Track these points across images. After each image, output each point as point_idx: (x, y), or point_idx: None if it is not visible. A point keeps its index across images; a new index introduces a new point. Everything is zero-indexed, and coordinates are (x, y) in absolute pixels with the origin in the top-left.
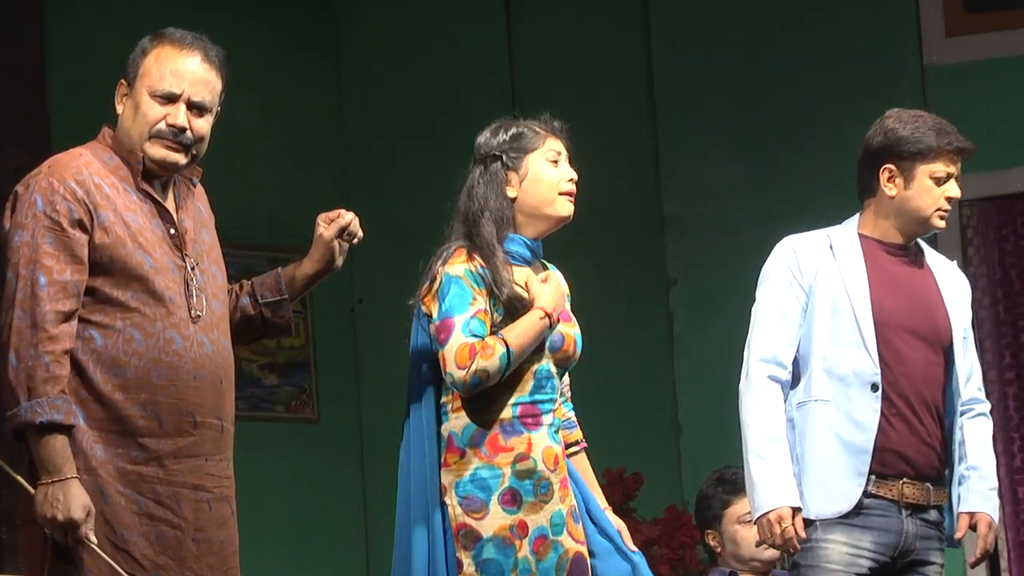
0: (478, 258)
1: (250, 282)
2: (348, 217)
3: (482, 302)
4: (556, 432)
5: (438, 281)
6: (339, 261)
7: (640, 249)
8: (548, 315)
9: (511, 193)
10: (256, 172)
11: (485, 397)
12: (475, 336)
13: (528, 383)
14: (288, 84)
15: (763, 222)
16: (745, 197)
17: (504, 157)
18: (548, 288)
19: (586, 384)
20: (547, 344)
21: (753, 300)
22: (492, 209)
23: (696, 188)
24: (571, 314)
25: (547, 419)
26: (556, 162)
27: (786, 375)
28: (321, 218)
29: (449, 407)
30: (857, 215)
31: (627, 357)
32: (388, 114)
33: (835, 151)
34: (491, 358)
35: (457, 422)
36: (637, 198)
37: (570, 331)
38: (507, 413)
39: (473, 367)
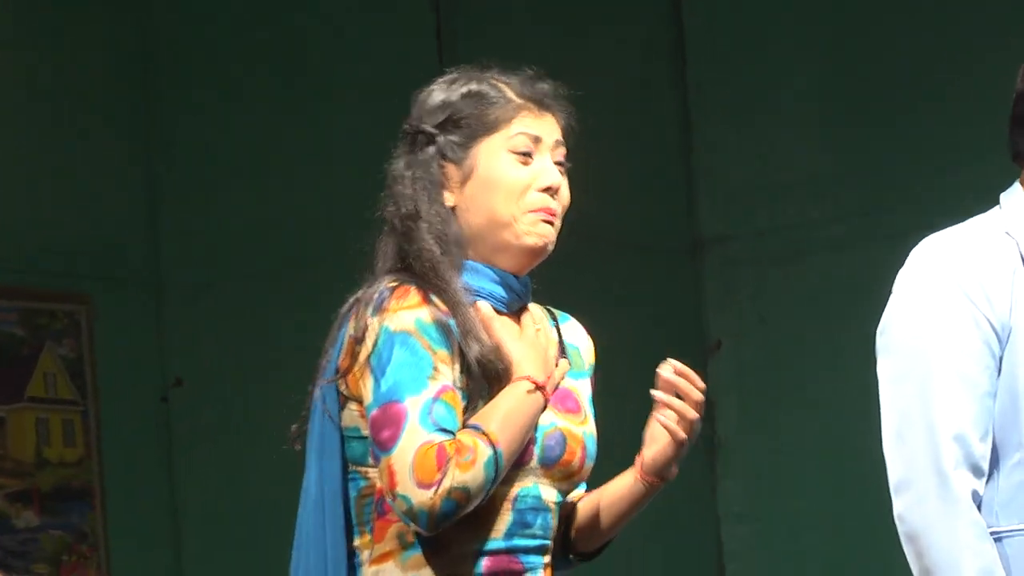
0: (437, 300)
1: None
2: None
3: (447, 374)
4: None
5: (370, 340)
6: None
7: (671, 289)
8: (539, 386)
9: (448, 200)
10: (3, 178)
11: (431, 541)
12: (444, 432)
13: (503, 517)
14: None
15: (848, 240)
16: (819, 202)
17: (440, 138)
18: (524, 344)
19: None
20: (536, 453)
21: (865, 359)
22: (428, 217)
23: (743, 193)
24: (582, 400)
25: None
26: (528, 154)
27: (983, 483)
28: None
29: (364, 556)
30: (1011, 195)
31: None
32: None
33: (943, 124)
34: (474, 467)
35: None
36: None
37: (576, 430)
38: (466, 570)
39: (446, 484)
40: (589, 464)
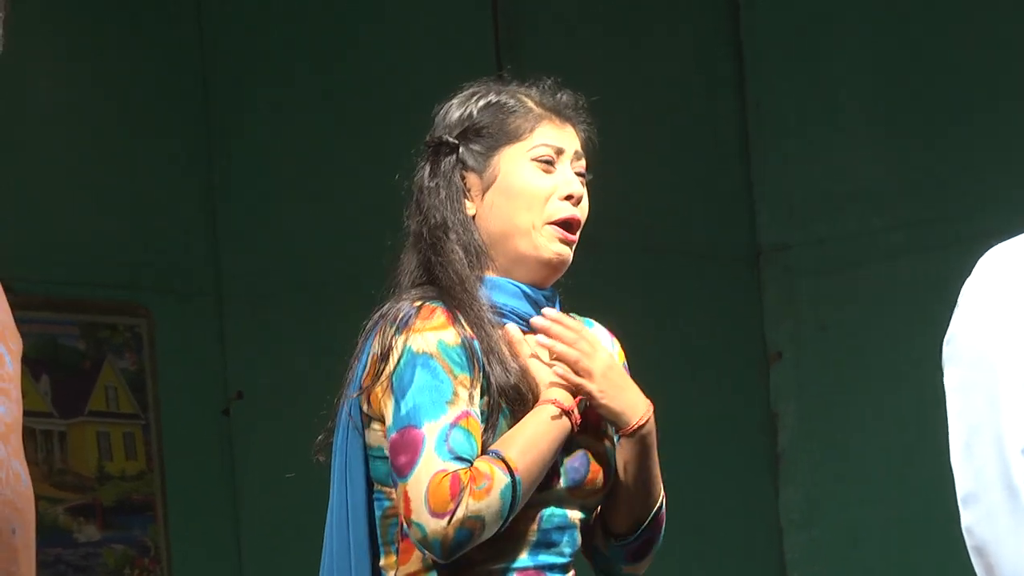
0: (463, 320)
1: None
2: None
3: (467, 398)
4: None
5: (392, 360)
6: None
7: (731, 298)
8: (566, 411)
9: (469, 208)
10: (65, 191)
11: (457, 561)
12: (459, 460)
13: (529, 536)
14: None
15: (907, 249)
16: (879, 211)
17: (461, 147)
18: (545, 365)
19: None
20: (560, 474)
21: (924, 374)
22: (454, 227)
23: (802, 202)
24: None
25: None
26: (551, 163)
27: None
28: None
29: (389, 574)
30: None
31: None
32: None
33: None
34: (488, 495)
35: None
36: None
37: (598, 446)
38: None
39: (460, 513)
40: (612, 478)
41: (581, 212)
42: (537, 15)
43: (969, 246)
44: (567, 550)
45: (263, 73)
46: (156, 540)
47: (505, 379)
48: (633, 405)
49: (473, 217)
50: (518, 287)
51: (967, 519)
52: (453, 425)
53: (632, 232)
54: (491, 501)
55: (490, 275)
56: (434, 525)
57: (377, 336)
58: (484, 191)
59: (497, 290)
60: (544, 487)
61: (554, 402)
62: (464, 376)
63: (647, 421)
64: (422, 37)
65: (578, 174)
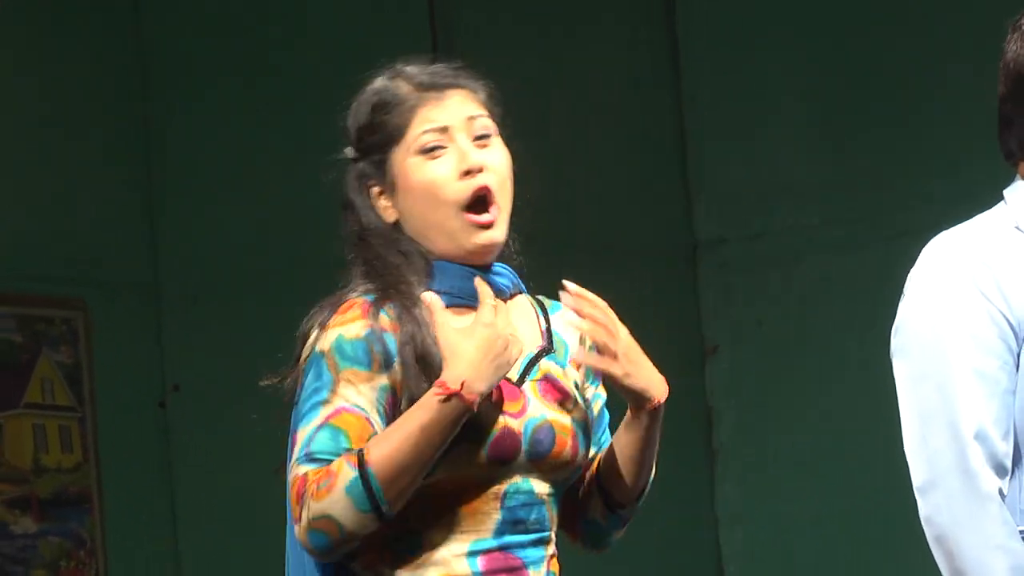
0: (391, 309)
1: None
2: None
3: (346, 395)
4: None
5: (303, 354)
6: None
7: (668, 293)
8: (453, 393)
9: (390, 216)
10: (1, 182)
11: (415, 542)
12: (315, 461)
13: (491, 516)
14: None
15: (844, 243)
16: (815, 206)
17: (360, 162)
18: (461, 334)
19: None
20: (523, 447)
21: (877, 360)
22: (374, 238)
23: (738, 197)
24: (570, 388)
25: (535, 574)
26: (439, 146)
27: (1007, 482)
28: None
29: (358, 565)
30: (1014, 190)
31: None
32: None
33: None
34: (331, 493)
35: None
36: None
37: (564, 420)
38: (462, 569)
39: (306, 516)
40: (583, 452)
41: (491, 178)
42: (473, 14)
43: (904, 240)
44: (537, 526)
45: (200, 64)
46: (92, 532)
47: (414, 368)
48: (654, 381)
49: (396, 222)
50: (462, 268)
51: (925, 509)
52: (320, 426)
53: (567, 228)
54: (334, 499)
55: (436, 260)
56: (296, 530)
57: (307, 321)
58: (393, 198)
59: (441, 273)
60: (502, 461)
61: (441, 384)
62: (352, 370)
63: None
64: (358, 32)
65: (478, 137)
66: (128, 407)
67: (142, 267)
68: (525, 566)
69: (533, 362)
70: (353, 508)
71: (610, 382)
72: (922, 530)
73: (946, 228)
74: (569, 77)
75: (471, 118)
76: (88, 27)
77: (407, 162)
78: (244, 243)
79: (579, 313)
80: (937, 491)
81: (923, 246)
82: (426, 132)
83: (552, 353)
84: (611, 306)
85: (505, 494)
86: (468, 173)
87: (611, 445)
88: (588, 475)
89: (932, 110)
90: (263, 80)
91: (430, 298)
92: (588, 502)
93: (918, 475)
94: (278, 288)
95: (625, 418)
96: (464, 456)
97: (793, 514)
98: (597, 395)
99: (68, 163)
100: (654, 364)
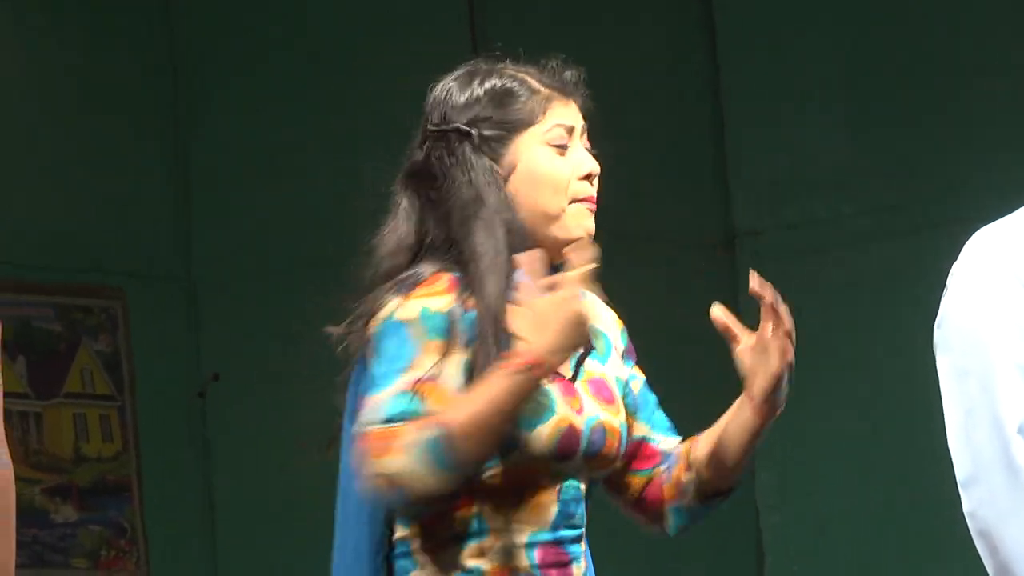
0: (468, 299)
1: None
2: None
3: (428, 366)
4: None
5: (378, 320)
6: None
7: (705, 282)
8: (530, 364)
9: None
10: (37, 175)
11: (483, 533)
12: (389, 421)
13: (550, 509)
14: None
15: (875, 234)
16: (854, 195)
17: (475, 135)
18: (525, 316)
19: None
20: (582, 445)
21: (921, 360)
22: (495, 206)
23: (776, 187)
24: (613, 387)
25: (577, 570)
26: (564, 147)
27: None
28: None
29: (412, 546)
30: None
31: None
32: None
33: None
34: (396, 453)
35: (423, 574)
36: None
37: (613, 420)
38: (520, 561)
39: (382, 471)
40: (622, 453)
41: (596, 187)
42: (511, 1)
43: (937, 231)
44: (580, 522)
45: (234, 56)
46: (132, 521)
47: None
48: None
49: None
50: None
51: (969, 504)
52: (399, 393)
53: (606, 218)
54: (397, 459)
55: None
56: (368, 487)
57: (377, 296)
58: (505, 179)
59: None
60: (564, 457)
61: (516, 355)
62: (436, 342)
63: None
64: (395, 23)
65: (586, 150)
66: (167, 396)
67: (177, 257)
68: (571, 561)
69: (581, 360)
70: (415, 469)
71: (767, 375)
72: (964, 521)
73: (980, 218)
74: (606, 66)
75: (585, 128)
76: (122, 17)
77: (535, 149)
78: (278, 233)
79: (774, 306)
80: (980, 486)
81: (958, 236)
82: (559, 126)
83: (594, 351)
84: (648, 295)
85: (562, 488)
86: (588, 177)
87: (719, 435)
88: (683, 463)
89: (968, 98)
90: (299, 72)
91: (529, 259)
92: (689, 488)
93: (961, 470)
94: (315, 279)
95: (746, 414)
96: (534, 448)
97: (833, 504)
98: (633, 376)
99: (104, 154)
100: (692, 354)
